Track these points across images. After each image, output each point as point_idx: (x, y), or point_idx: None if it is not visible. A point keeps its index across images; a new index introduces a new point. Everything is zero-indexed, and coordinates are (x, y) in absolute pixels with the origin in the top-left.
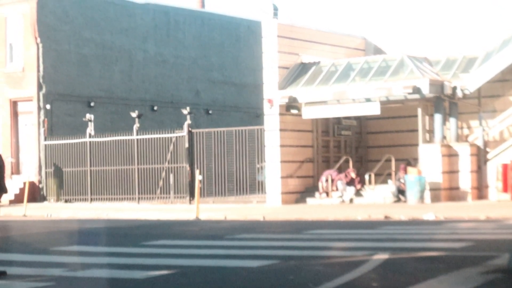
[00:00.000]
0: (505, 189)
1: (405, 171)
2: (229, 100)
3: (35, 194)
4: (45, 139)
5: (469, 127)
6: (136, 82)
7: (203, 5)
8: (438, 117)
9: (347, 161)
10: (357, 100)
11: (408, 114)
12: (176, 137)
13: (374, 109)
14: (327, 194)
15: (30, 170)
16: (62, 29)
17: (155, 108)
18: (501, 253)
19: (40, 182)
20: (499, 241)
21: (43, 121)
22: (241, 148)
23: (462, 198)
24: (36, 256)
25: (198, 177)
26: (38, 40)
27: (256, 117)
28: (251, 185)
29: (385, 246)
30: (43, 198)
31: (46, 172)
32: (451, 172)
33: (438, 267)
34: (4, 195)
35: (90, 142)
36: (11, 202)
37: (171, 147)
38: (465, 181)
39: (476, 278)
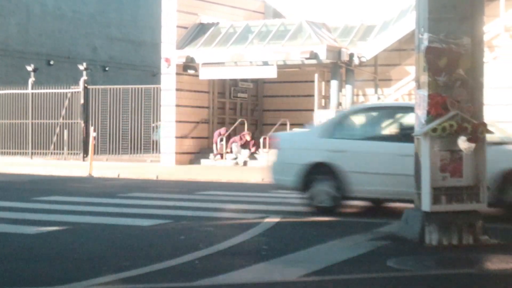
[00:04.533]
0: None
1: None
2: (126, 58)
3: None
4: None
5: (364, 95)
6: (32, 36)
7: None
8: (334, 83)
9: (242, 124)
10: (255, 63)
11: (305, 79)
12: (72, 92)
13: (271, 73)
14: (222, 156)
15: None
16: None
17: (51, 62)
18: (392, 220)
19: None
20: (391, 208)
21: None
22: (137, 106)
23: None
24: None
25: (92, 134)
26: None
27: (153, 76)
28: (146, 144)
29: (277, 210)
30: None
31: None
32: None
33: (329, 232)
34: None
35: None
36: None
37: (66, 103)
38: None
39: (366, 244)
